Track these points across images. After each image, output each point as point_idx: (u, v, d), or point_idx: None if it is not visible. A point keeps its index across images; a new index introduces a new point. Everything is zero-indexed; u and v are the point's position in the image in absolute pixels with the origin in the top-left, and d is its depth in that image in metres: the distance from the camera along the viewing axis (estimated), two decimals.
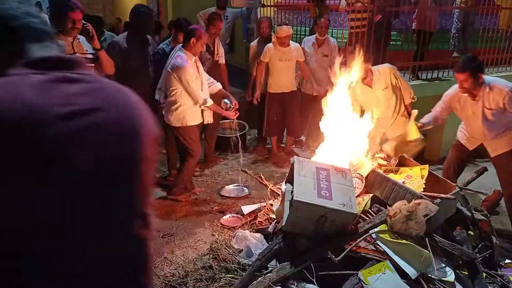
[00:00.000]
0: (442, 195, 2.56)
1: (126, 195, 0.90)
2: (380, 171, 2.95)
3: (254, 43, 5.41)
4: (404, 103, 3.95)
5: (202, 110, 4.00)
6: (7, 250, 0.76)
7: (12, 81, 0.81)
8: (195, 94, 3.80)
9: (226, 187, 4.48)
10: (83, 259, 0.82)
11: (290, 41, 4.99)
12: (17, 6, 0.93)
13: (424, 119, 3.67)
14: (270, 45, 4.98)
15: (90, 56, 3.50)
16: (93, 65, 3.53)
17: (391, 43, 5.52)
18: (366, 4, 5.00)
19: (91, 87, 0.89)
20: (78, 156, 0.80)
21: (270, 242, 2.83)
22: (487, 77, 3.37)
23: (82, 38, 3.49)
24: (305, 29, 6.41)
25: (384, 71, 3.85)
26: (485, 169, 3.43)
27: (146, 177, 0.94)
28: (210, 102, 3.89)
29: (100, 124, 0.85)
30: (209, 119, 4.12)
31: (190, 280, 2.78)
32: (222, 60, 4.96)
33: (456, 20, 6.47)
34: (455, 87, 3.46)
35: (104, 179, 0.84)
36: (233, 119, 4.24)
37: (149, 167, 0.95)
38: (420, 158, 4.39)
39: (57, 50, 0.97)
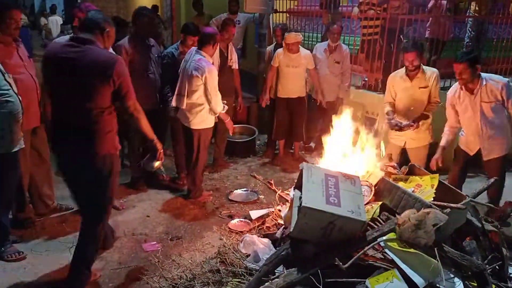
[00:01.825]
0: (452, 205, 2.54)
1: (89, 89, 2.49)
2: (390, 179, 2.94)
3: (270, 48, 5.45)
4: (428, 101, 3.98)
5: None
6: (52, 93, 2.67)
7: (58, 42, 2.86)
8: (216, 98, 3.87)
9: (235, 191, 4.49)
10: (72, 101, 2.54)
11: (301, 48, 5.02)
12: (94, 16, 2.65)
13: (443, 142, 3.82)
14: (279, 50, 5.03)
15: None
16: None
17: None
18: (378, 12, 5.00)
19: (79, 50, 2.45)
20: (60, 70, 2.49)
21: (277, 248, 2.83)
22: (482, 74, 3.51)
23: None
24: (317, 35, 6.43)
25: (431, 73, 3.93)
26: (496, 181, 3.39)
27: (98, 91, 2.48)
28: (225, 107, 4.02)
29: (71, 64, 2.44)
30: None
31: (197, 283, 2.79)
32: (235, 65, 4.99)
33: (470, 29, 6.43)
34: (454, 86, 3.67)
35: (70, 80, 2.47)
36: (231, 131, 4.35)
37: (101, 90, 2.48)
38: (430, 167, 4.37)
39: (89, 36, 2.52)
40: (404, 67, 3.92)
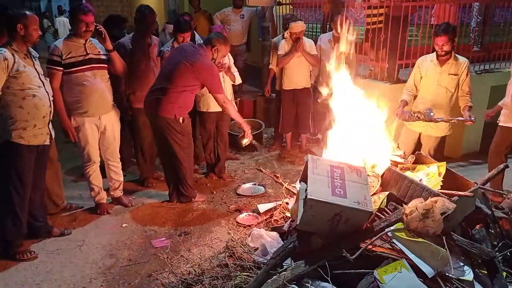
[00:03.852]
0: (460, 193, 2.51)
1: (174, 72, 3.73)
2: (396, 169, 2.91)
3: (277, 39, 5.37)
4: (458, 94, 3.90)
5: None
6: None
7: (186, 43, 4.22)
8: None
9: (242, 185, 4.50)
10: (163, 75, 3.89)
11: (303, 37, 4.99)
12: (211, 35, 4.04)
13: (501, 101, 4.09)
14: (283, 41, 4.99)
15: (103, 57, 3.57)
16: (106, 65, 3.61)
17: (409, 38, 5.42)
18: (382, 0, 4.93)
19: (193, 49, 3.82)
20: (173, 56, 3.93)
21: (285, 241, 2.83)
22: None
23: (94, 40, 3.56)
24: (321, 26, 6.36)
25: (463, 61, 3.85)
26: (507, 166, 3.34)
27: (179, 75, 3.70)
28: None
29: (184, 53, 3.78)
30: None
31: (206, 278, 2.80)
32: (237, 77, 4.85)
33: (476, 14, 6.32)
34: None
35: (172, 66, 3.79)
36: None
37: (182, 75, 3.70)
38: (440, 155, 4.32)
39: (203, 45, 3.87)
40: (435, 52, 3.82)
